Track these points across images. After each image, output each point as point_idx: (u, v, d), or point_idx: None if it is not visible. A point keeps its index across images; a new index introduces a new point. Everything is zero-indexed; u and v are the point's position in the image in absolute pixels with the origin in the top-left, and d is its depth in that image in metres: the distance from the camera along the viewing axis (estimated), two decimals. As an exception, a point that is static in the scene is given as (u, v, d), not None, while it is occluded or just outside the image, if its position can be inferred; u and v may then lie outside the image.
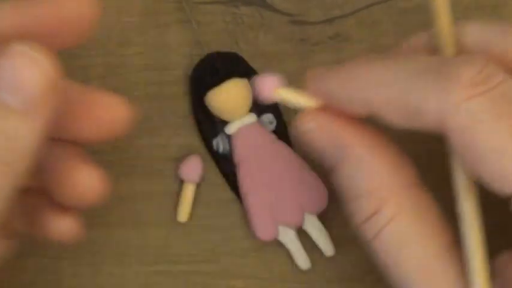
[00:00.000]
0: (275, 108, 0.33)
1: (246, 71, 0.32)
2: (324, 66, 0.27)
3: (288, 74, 0.33)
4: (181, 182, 0.32)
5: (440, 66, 0.23)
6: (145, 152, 0.33)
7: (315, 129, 0.26)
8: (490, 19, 0.34)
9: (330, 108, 0.26)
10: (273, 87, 0.27)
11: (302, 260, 0.31)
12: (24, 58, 0.22)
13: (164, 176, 0.33)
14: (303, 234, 0.32)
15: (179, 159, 0.32)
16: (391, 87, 0.24)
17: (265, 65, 0.33)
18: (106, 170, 0.32)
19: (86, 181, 0.26)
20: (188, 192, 0.32)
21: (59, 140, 0.25)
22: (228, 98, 0.31)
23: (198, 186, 0.32)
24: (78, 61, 0.34)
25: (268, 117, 0.33)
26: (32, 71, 0.22)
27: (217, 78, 0.31)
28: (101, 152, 0.33)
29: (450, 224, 0.25)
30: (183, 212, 0.32)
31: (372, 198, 0.25)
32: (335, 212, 0.32)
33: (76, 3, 0.25)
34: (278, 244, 0.32)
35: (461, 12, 0.34)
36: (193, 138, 0.33)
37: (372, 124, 0.26)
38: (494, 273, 0.24)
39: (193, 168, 0.32)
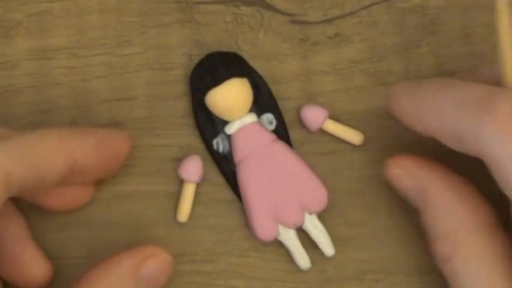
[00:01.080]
0: (275, 108, 0.33)
1: (246, 71, 0.32)
2: (405, 83, 0.29)
3: (288, 74, 0.34)
4: (181, 182, 0.32)
5: (484, 97, 0.24)
6: (145, 152, 0.33)
7: (402, 175, 0.29)
8: (490, 19, 0.34)
9: (413, 155, 0.29)
10: (321, 120, 0.32)
11: (302, 260, 0.31)
12: None
13: (164, 176, 0.33)
14: (303, 234, 0.32)
15: (179, 159, 0.32)
16: (442, 115, 0.26)
17: (265, 65, 0.33)
18: (106, 170, 0.33)
19: (31, 271, 0.28)
20: (188, 192, 0.32)
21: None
22: (228, 98, 0.31)
23: (198, 186, 0.32)
24: (78, 61, 0.34)
25: (268, 117, 0.33)
26: None
27: (217, 78, 0.31)
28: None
29: None
30: (183, 212, 0.32)
31: (448, 241, 0.27)
32: (335, 212, 0.32)
33: (124, 140, 0.29)
34: (278, 244, 0.32)
35: (461, 13, 0.34)
36: (193, 138, 0.33)
37: (452, 167, 0.28)
38: None
39: (193, 168, 0.32)
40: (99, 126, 0.33)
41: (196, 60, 0.32)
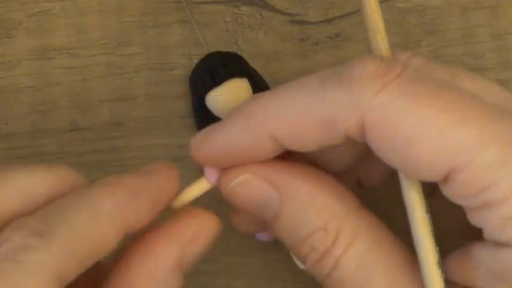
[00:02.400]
0: (275, 108, 0.33)
1: (246, 71, 0.32)
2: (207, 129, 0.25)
3: (288, 74, 0.34)
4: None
5: (340, 72, 0.23)
6: (146, 152, 0.33)
7: (249, 180, 0.25)
8: (490, 19, 0.34)
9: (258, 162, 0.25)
10: None
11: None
12: None
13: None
14: (303, 234, 0.32)
15: (179, 159, 0.32)
16: (297, 109, 0.23)
17: (265, 65, 0.33)
18: (106, 169, 0.33)
19: None
20: (199, 186, 0.27)
21: None
22: (228, 98, 0.31)
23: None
24: (78, 61, 0.34)
25: (268, 117, 0.33)
26: None
27: (217, 78, 0.31)
28: (100, 152, 0.33)
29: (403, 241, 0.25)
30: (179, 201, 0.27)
31: (326, 232, 0.24)
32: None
33: (173, 183, 0.25)
34: (278, 244, 0.32)
35: (461, 13, 0.34)
36: (193, 138, 0.33)
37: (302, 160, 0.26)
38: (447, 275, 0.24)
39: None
40: (100, 126, 0.33)
41: (196, 60, 0.33)
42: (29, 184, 0.23)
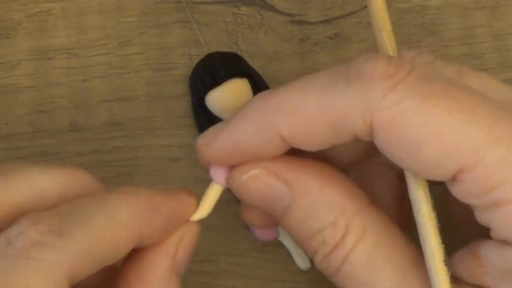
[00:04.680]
0: (275, 108, 0.33)
1: (246, 71, 0.32)
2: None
3: (288, 74, 0.34)
4: (181, 182, 0.32)
5: (349, 70, 0.22)
6: (146, 152, 0.33)
7: (260, 175, 0.25)
8: (490, 19, 0.34)
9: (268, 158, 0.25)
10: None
11: (302, 260, 0.31)
12: None
13: (164, 176, 0.33)
14: (303, 234, 0.32)
15: (179, 159, 0.32)
16: (307, 107, 0.23)
17: (265, 65, 0.33)
18: (106, 169, 0.33)
19: None
20: (212, 192, 0.27)
21: None
22: (228, 98, 0.31)
23: (198, 185, 0.32)
24: (78, 61, 0.34)
25: (268, 117, 0.33)
26: None
27: (217, 78, 0.31)
28: (100, 152, 0.33)
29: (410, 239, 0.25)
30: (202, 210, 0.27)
31: (335, 227, 0.24)
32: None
33: (190, 207, 0.26)
34: (278, 244, 0.32)
35: (461, 13, 0.34)
36: (193, 138, 0.33)
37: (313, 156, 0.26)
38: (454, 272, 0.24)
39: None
40: (100, 126, 0.33)
41: (196, 60, 0.33)
42: (43, 180, 0.24)
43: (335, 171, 0.25)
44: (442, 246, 0.23)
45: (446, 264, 0.23)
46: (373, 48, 0.34)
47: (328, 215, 0.24)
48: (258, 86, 0.33)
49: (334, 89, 0.22)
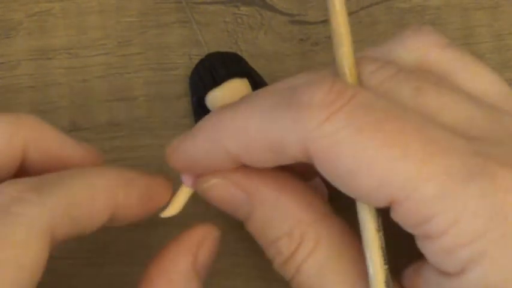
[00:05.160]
0: (275, 108, 0.33)
1: (246, 71, 0.32)
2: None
3: (288, 74, 0.34)
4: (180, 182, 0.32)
5: (291, 96, 0.23)
6: (146, 152, 0.33)
7: (220, 184, 0.26)
8: (490, 19, 0.34)
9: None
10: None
11: (302, 260, 0.31)
12: None
13: (164, 175, 0.32)
14: (303, 234, 0.32)
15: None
16: (248, 130, 0.23)
17: (265, 65, 0.33)
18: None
19: None
20: (182, 194, 0.29)
21: None
22: (228, 98, 0.31)
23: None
24: (78, 61, 0.34)
25: (268, 117, 0.33)
26: None
27: (217, 78, 0.31)
28: (100, 152, 0.33)
29: None
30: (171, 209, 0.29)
31: (290, 238, 0.25)
32: (335, 212, 0.32)
33: (166, 191, 0.27)
34: (278, 244, 0.32)
35: (461, 13, 0.34)
36: (193, 138, 0.33)
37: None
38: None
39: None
40: (100, 126, 0.33)
41: (196, 60, 0.33)
42: None
43: (295, 181, 0.26)
44: (385, 267, 0.23)
45: (387, 286, 0.23)
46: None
47: (283, 225, 0.25)
48: (258, 86, 0.33)
49: (274, 114, 0.23)
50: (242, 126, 0.24)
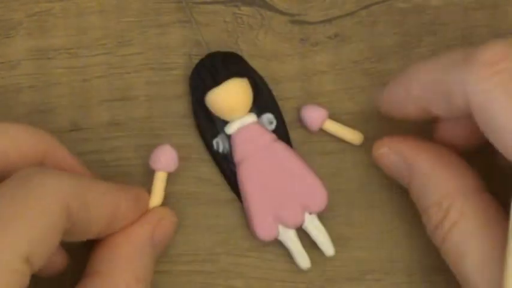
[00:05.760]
0: (275, 108, 0.33)
1: (246, 71, 0.32)
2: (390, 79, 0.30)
3: (288, 74, 0.34)
4: (181, 181, 0.32)
5: (468, 53, 0.25)
6: (145, 152, 0.33)
7: (387, 153, 0.30)
8: (490, 19, 0.34)
9: (397, 136, 0.30)
10: (321, 120, 0.32)
11: (302, 260, 0.31)
12: None
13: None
14: (303, 234, 0.32)
15: (179, 159, 0.32)
16: (430, 80, 0.27)
17: (265, 65, 0.33)
18: (106, 169, 0.33)
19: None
20: (157, 181, 0.31)
21: None
22: (228, 98, 0.31)
23: (199, 186, 0.32)
24: (78, 61, 0.34)
25: (268, 117, 0.33)
26: None
27: (217, 78, 0.31)
28: (100, 152, 0.33)
29: None
30: (154, 199, 0.31)
31: (439, 208, 0.28)
32: (335, 212, 0.32)
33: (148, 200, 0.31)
34: (278, 244, 0.32)
35: (461, 13, 0.34)
36: (193, 138, 0.33)
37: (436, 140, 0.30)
38: None
39: (165, 156, 0.31)
40: (100, 126, 0.33)
41: (196, 60, 0.33)
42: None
43: (451, 155, 0.29)
44: None
45: None
46: (372, 48, 0.34)
47: (434, 195, 0.28)
48: (258, 86, 0.33)
49: (451, 67, 0.26)
50: (427, 76, 0.27)
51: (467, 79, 0.25)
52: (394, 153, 0.30)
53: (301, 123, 0.33)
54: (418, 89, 0.28)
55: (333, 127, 0.32)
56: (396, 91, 0.29)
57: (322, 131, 0.33)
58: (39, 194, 0.24)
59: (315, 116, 0.32)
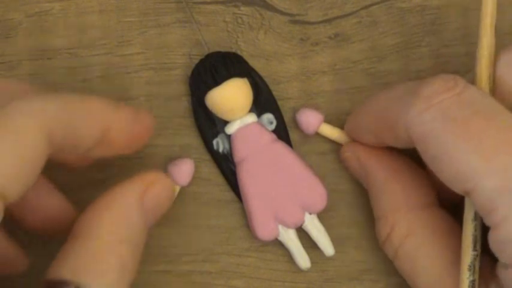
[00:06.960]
0: (275, 108, 0.33)
1: (246, 71, 0.32)
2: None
3: (288, 74, 0.34)
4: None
5: (414, 87, 0.26)
6: (145, 152, 0.33)
7: (350, 157, 0.31)
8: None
9: (360, 143, 0.31)
10: (316, 124, 0.32)
11: (302, 260, 0.31)
12: None
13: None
14: (303, 234, 0.32)
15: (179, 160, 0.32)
16: (380, 111, 0.28)
17: (265, 65, 0.33)
18: (105, 169, 0.33)
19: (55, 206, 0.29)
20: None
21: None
22: (228, 98, 0.31)
23: (198, 186, 0.32)
24: (78, 61, 0.34)
25: (268, 117, 0.33)
26: None
27: (217, 78, 0.31)
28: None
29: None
30: None
31: (385, 221, 0.29)
32: (335, 212, 0.32)
33: (150, 121, 0.29)
34: (278, 244, 0.32)
35: (461, 13, 0.34)
36: (193, 138, 0.33)
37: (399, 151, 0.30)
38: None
39: (184, 171, 0.32)
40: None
41: (196, 60, 0.33)
42: None
43: (410, 167, 0.29)
44: (473, 253, 0.26)
45: (469, 270, 0.25)
46: (372, 48, 0.34)
47: (383, 208, 0.29)
48: (258, 86, 0.33)
49: (398, 100, 0.26)
50: (377, 109, 0.28)
51: (408, 111, 0.25)
52: (355, 159, 0.31)
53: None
54: (370, 120, 0.29)
55: (329, 131, 0.32)
56: (355, 120, 0.30)
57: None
58: (16, 122, 0.23)
59: (310, 120, 0.32)
